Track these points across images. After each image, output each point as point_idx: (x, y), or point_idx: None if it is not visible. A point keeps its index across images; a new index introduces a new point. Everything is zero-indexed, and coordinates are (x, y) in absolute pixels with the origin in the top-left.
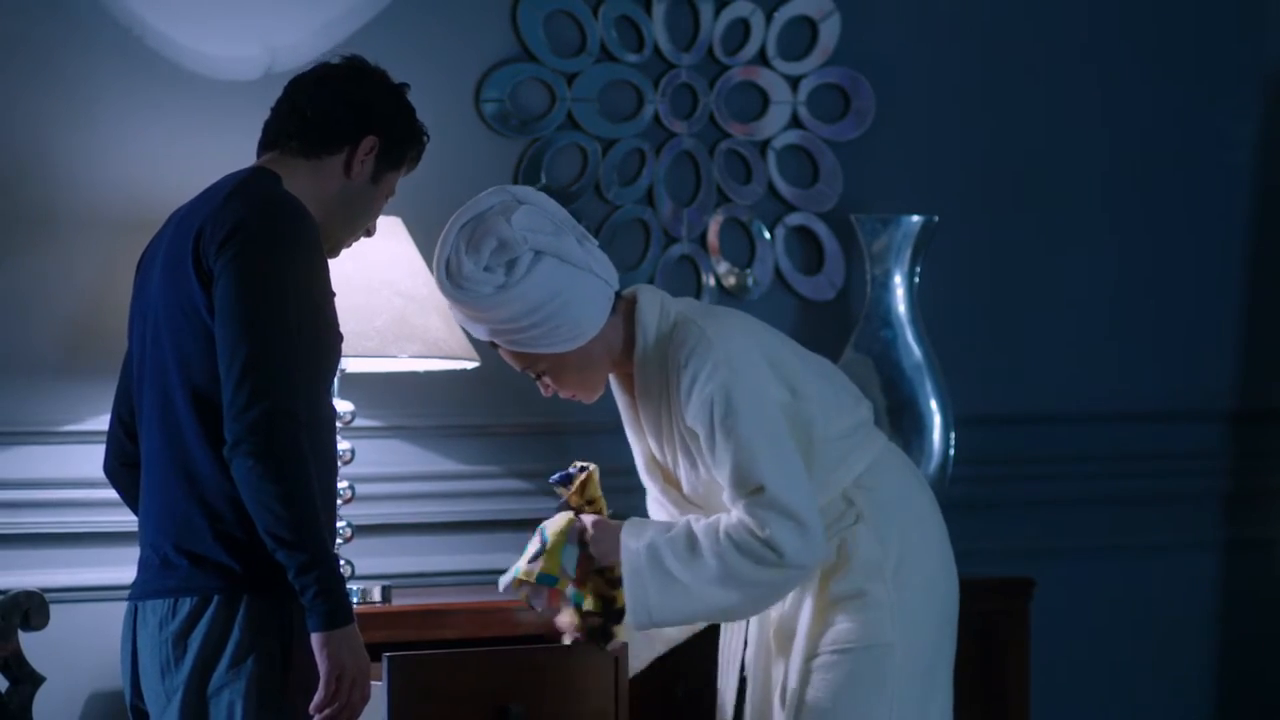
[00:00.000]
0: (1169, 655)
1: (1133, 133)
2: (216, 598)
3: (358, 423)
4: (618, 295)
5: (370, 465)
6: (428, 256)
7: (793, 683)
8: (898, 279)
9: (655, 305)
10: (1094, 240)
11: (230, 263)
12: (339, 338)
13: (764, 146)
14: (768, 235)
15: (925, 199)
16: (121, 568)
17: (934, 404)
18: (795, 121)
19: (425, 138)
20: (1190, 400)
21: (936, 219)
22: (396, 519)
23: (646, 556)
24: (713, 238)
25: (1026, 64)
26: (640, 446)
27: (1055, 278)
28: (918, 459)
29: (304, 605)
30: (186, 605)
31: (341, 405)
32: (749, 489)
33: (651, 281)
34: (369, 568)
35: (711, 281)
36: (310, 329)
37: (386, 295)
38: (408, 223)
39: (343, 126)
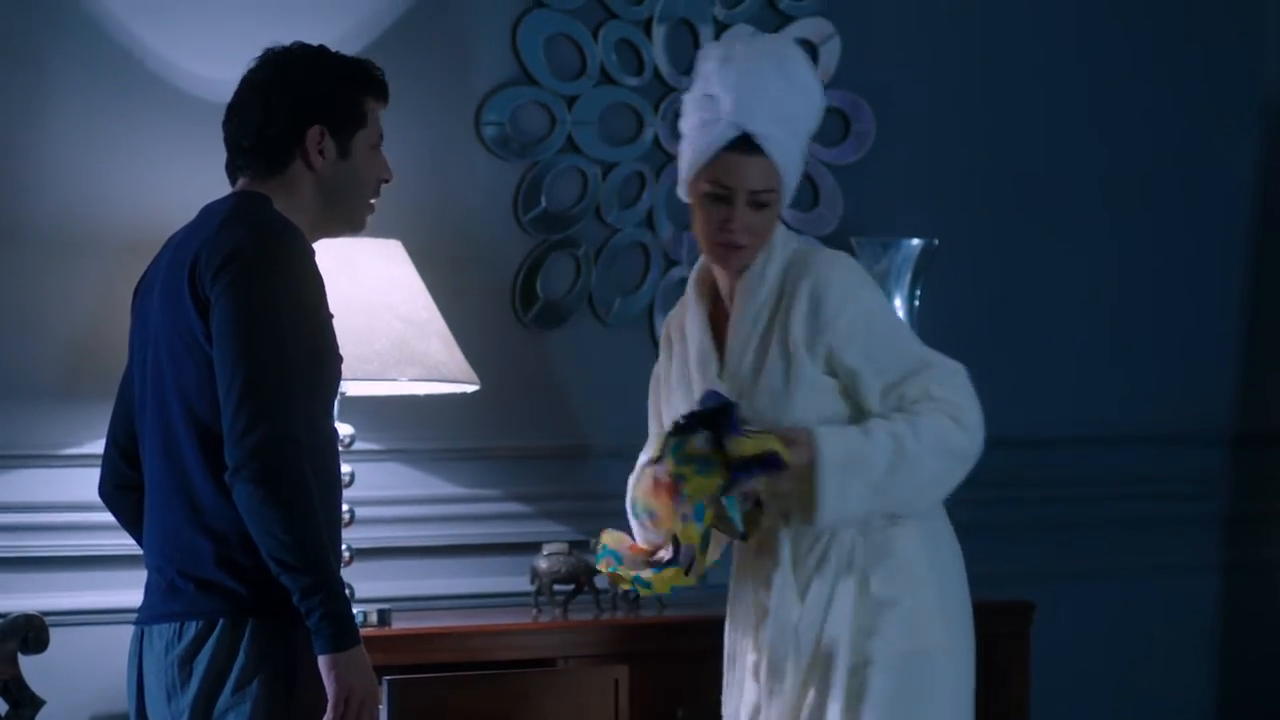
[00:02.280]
0: (1169, 678)
1: (1133, 156)
2: (222, 621)
3: (357, 446)
4: None
5: (370, 488)
6: (427, 279)
7: (836, 697)
8: (898, 302)
9: (784, 230)
10: (1094, 263)
11: (226, 289)
12: (339, 360)
13: None
14: None
15: (925, 222)
16: (122, 591)
17: None
18: None
19: (372, 72)
20: (1189, 423)
21: (937, 242)
22: (396, 542)
23: (850, 445)
24: None
25: (1026, 87)
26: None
27: (1055, 301)
28: None
29: (310, 628)
30: (192, 629)
31: (342, 428)
32: (929, 369)
33: (651, 305)
34: (369, 591)
35: None
36: (308, 352)
37: (387, 319)
38: (408, 246)
39: (280, 139)
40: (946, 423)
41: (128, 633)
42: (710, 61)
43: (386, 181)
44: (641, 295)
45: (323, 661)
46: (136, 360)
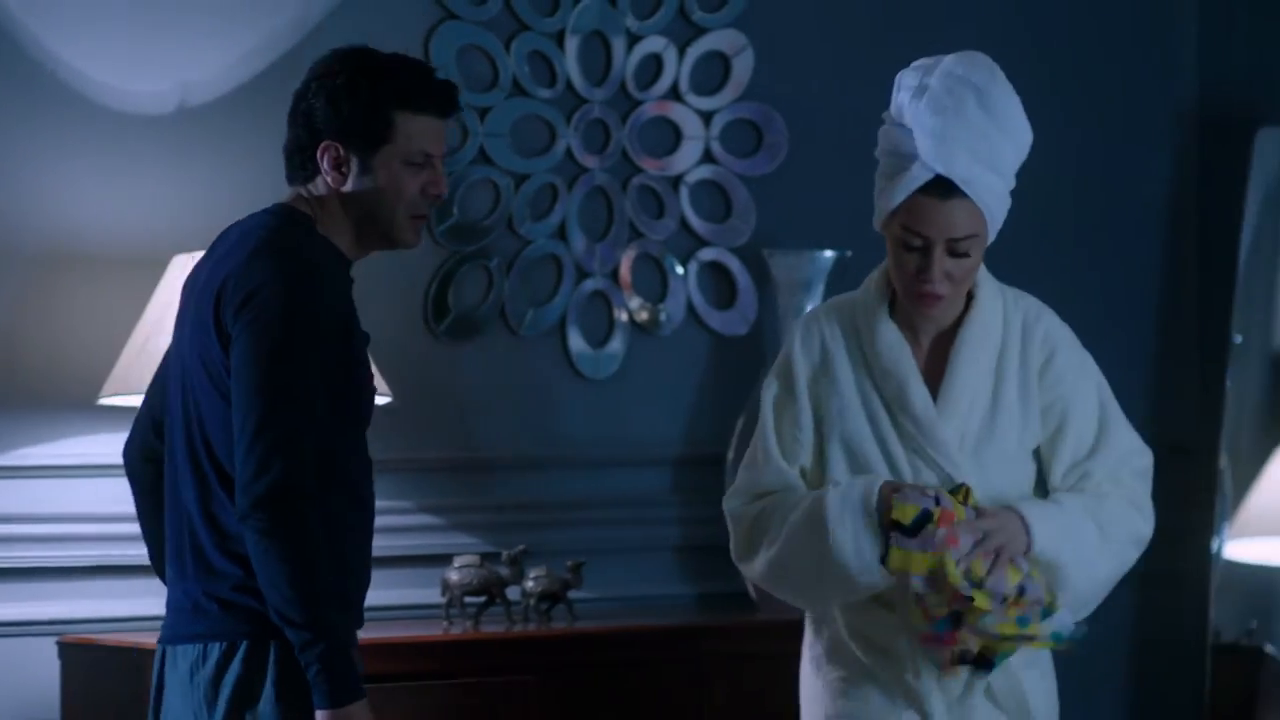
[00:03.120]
0: (1081, 689)
1: (1045, 170)
2: (245, 643)
3: None
4: None
5: None
6: None
7: None
8: None
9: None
10: (1004, 276)
11: (245, 329)
12: (371, 390)
13: (677, 181)
14: (680, 270)
15: (838, 233)
16: (33, 603)
17: None
18: (708, 156)
19: (410, 85)
20: None
21: (849, 254)
22: None
23: (1060, 528)
24: (625, 273)
25: None
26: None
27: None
28: None
29: (310, 681)
30: (216, 651)
31: None
32: (1124, 451)
33: (564, 317)
34: None
35: (624, 317)
36: (334, 390)
37: None
38: None
39: (303, 154)
40: (1133, 513)
41: (40, 645)
42: (903, 92)
43: (437, 196)
44: (554, 307)
45: (320, 716)
46: (174, 361)
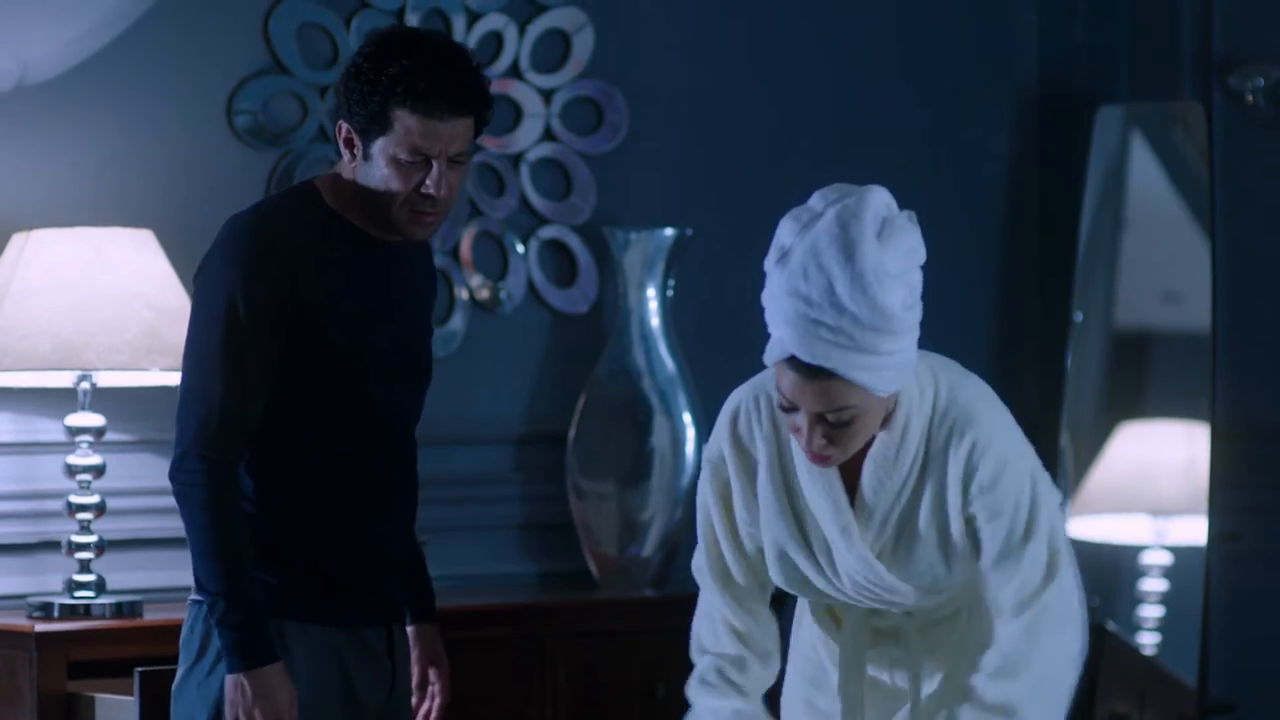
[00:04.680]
0: None
1: (888, 148)
2: (204, 606)
3: (109, 436)
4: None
5: (122, 479)
6: (179, 268)
7: None
8: (651, 292)
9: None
10: None
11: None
12: (357, 362)
13: (517, 160)
14: (521, 248)
15: (678, 211)
16: None
17: (687, 417)
18: (549, 134)
19: (414, 86)
20: None
21: (690, 232)
22: (148, 533)
23: None
24: (465, 251)
25: (781, 77)
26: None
27: None
28: (673, 472)
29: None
30: (194, 607)
31: (92, 419)
32: (1042, 584)
33: None
34: (121, 582)
35: (465, 295)
36: (283, 358)
37: (137, 308)
38: (160, 235)
39: (332, 125)
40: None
41: None
42: (774, 246)
43: (429, 197)
44: None
45: (226, 681)
46: None
